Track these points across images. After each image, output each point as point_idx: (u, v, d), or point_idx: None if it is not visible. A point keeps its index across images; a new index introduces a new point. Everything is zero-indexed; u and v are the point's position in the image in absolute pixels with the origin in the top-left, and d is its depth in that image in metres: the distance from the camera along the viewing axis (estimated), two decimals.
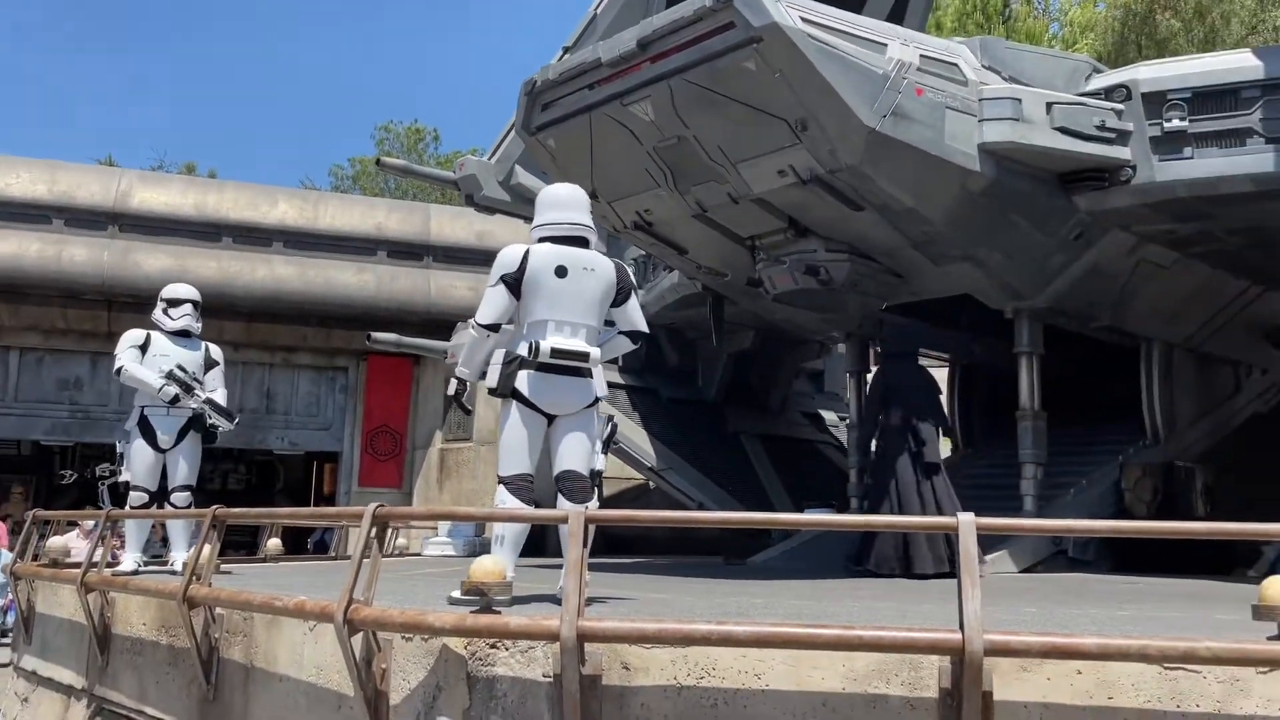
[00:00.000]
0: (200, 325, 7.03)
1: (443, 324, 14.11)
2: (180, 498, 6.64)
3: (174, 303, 6.91)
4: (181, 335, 6.88)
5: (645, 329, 4.92)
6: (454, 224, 16.50)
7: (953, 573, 6.71)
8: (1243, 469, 10.15)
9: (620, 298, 4.74)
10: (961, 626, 2.97)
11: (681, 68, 6.98)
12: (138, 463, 6.61)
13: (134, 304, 14.52)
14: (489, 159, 11.90)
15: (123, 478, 6.78)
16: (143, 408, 6.67)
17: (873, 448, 8.72)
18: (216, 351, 7.05)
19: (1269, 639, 2.99)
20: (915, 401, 7.85)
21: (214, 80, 55.30)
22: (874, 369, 8.38)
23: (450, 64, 61.30)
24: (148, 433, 6.62)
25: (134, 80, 56.25)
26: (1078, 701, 3.06)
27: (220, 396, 6.87)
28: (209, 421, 6.72)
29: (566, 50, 11.31)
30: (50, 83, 52.69)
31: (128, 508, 6.49)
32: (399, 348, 12.99)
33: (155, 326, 6.90)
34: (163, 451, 6.66)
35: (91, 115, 53.91)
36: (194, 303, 6.97)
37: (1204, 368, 10.23)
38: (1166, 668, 3.02)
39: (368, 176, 32.37)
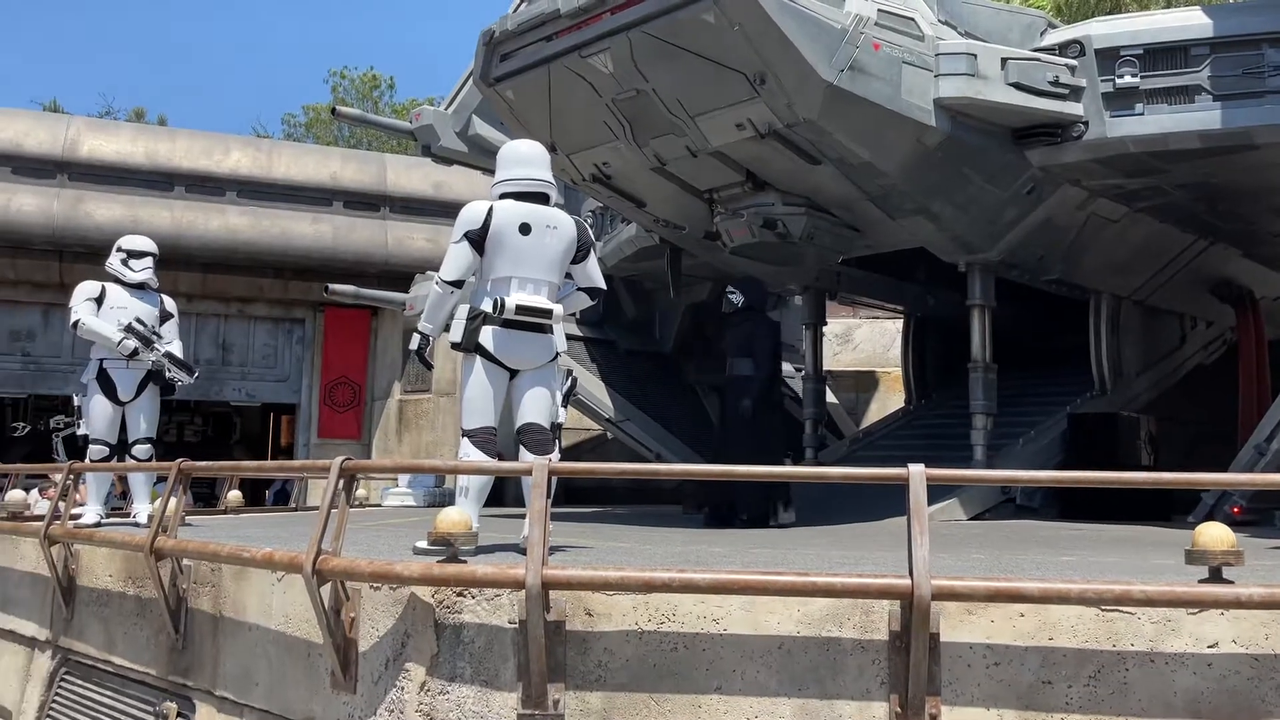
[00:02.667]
0: (156, 279, 6.97)
1: (400, 275, 14.02)
2: (141, 450, 6.63)
3: (136, 254, 6.81)
4: (138, 288, 6.81)
5: (603, 285, 5.01)
6: (410, 174, 16.33)
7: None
8: (1186, 418, 10.49)
9: (580, 255, 4.81)
10: (911, 572, 3.10)
11: (641, 20, 6.97)
12: (97, 416, 6.57)
13: (86, 254, 14.26)
14: (446, 109, 11.77)
15: (81, 431, 6.73)
16: (101, 361, 6.61)
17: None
18: (171, 304, 6.99)
19: (1199, 581, 3.16)
20: (751, 354, 7.59)
21: (160, 21, 53.73)
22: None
23: (407, 9, 60.04)
24: (107, 386, 6.57)
25: (77, 21, 54.50)
26: (1020, 642, 3.22)
27: (176, 349, 6.83)
28: (167, 375, 6.68)
29: None
30: None
31: (88, 461, 6.47)
32: (357, 299, 12.91)
33: (108, 276, 6.81)
34: (122, 405, 6.62)
35: (31, 57, 52.24)
36: (154, 255, 6.91)
37: (1151, 320, 10.51)
38: (1104, 610, 3.18)
39: (321, 124, 31.75)
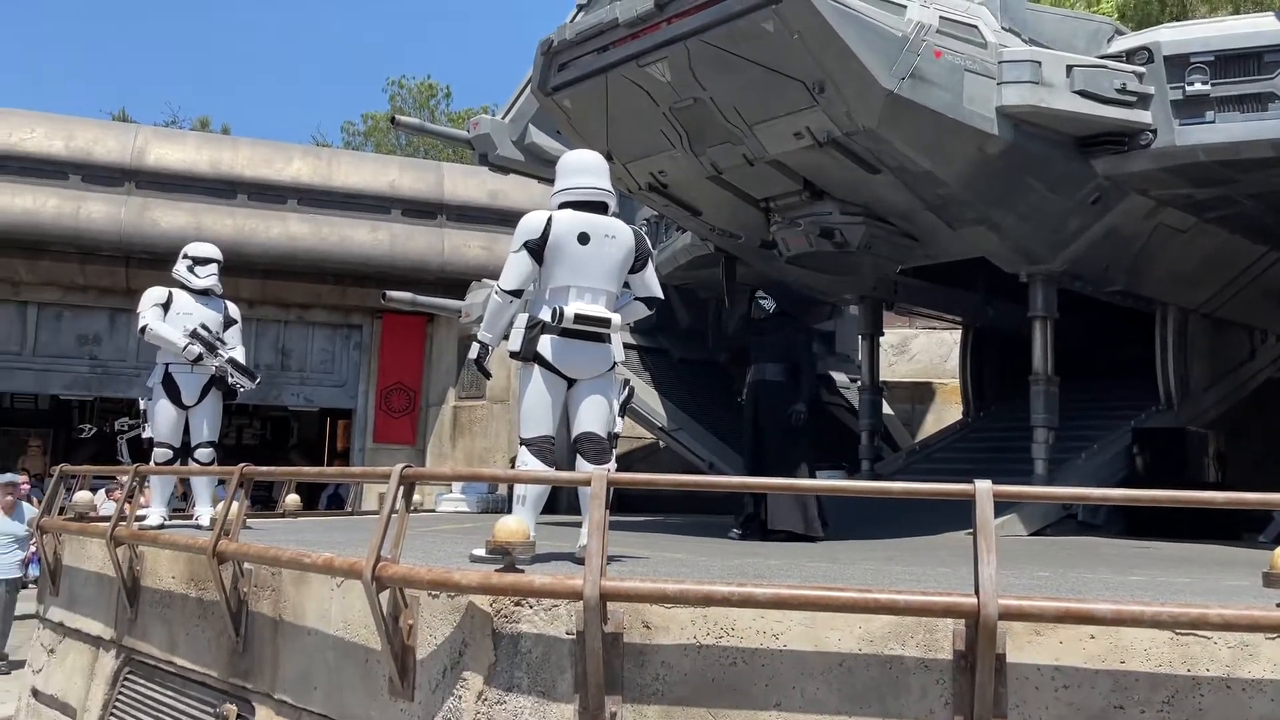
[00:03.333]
0: (221, 285, 7.11)
1: (456, 283, 14.14)
2: (204, 454, 6.75)
3: (201, 261, 6.97)
4: (202, 294, 6.94)
5: (660, 295, 5.00)
6: (467, 183, 16.47)
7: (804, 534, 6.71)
8: (1255, 433, 10.20)
9: (638, 264, 4.81)
10: (976, 590, 3.03)
11: (699, 29, 6.95)
12: (162, 420, 6.70)
13: (151, 261, 14.57)
14: (503, 118, 11.86)
15: (146, 434, 6.88)
16: (166, 365, 6.75)
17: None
18: (234, 310, 7.13)
19: (1278, 605, 3.05)
20: (780, 362, 7.27)
21: (222, 30, 54.88)
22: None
23: (462, 18, 60.70)
24: (171, 390, 6.70)
25: (141, 30, 55.89)
26: (1090, 665, 3.13)
27: (239, 355, 6.95)
28: (230, 380, 6.80)
29: (580, 7, 11.23)
30: (54, 30, 52.37)
31: (152, 464, 6.60)
32: (414, 306, 13.04)
33: (175, 282, 6.96)
34: (185, 409, 6.75)
35: (99, 67, 53.64)
36: (219, 262, 7.06)
37: (1219, 333, 10.24)
38: (1178, 633, 3.09)
39: (380, 133, 32.19)
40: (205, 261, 6.96)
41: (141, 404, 7.00)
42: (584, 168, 4.80)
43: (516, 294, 4.65)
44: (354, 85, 56.77)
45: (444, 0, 59.51)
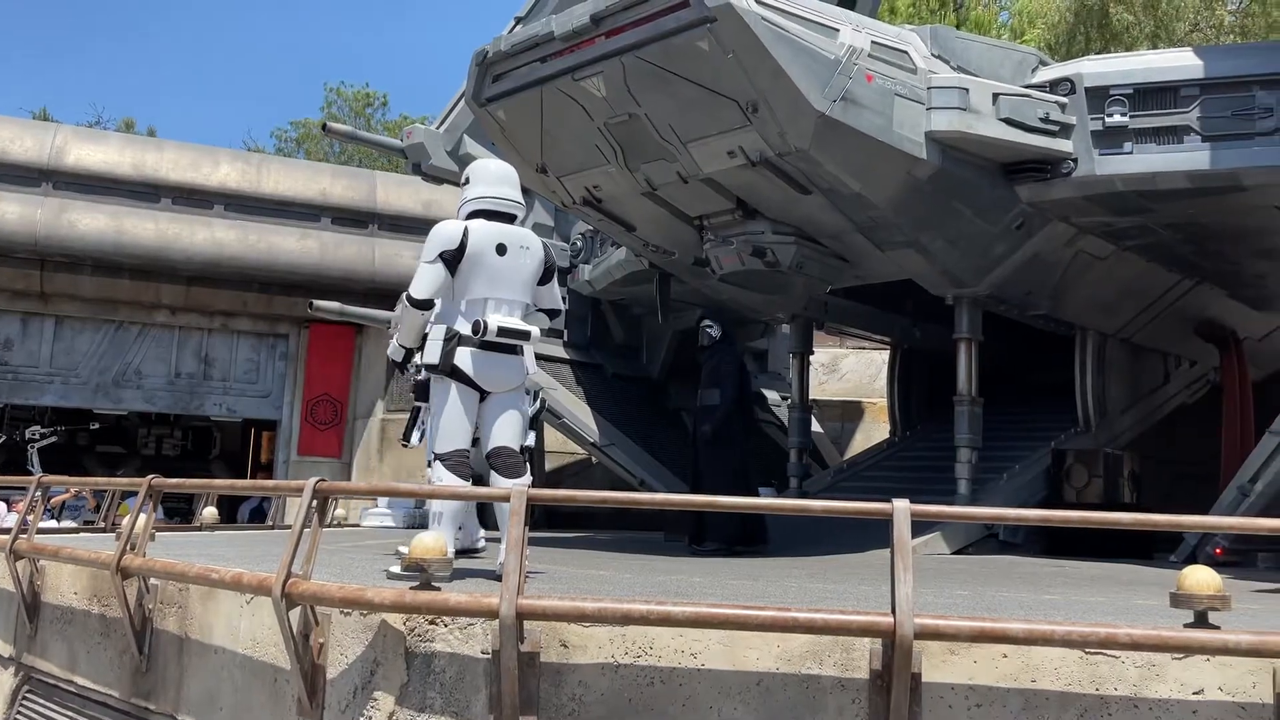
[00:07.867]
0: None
1: (387, 293, 13.91)
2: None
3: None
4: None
5: (562, 308, 5.03)
6: (400, 192, 16.26)
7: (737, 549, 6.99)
8: (1168, 457, 10.49)
9: (545, 276, 4.81)
10: (893, 610, 3.04)
11: (635, 45, 6.96)
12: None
13: (68, 264, 14.11)
14: (437, 128, 11.77)
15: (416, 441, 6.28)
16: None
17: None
18: None
19: (1185, 626, 3.11)
20: (716, 386, 7.76)
21: (152, 31, 53.76)
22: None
23: (401, 26, 60.27)
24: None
25: (68, 28, 54.43)
26: (1003, 684, 3.16)
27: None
28: None
29: (519, 20, 11.19)
30: None
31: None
32: (342, 316, 12.79)
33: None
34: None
35: (22, 65, 52.10)
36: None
37: (1136, 358, 10.53)
38: (1088, 652, 3.13)
39: (312, 140, 31.74)
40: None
41: (421, 414, 6.42)
42: (498, 177, 4.82)
43: (427, 305, 4.61)
44: (289, 94, 55.98)
45: (385, 8, 59.05)
